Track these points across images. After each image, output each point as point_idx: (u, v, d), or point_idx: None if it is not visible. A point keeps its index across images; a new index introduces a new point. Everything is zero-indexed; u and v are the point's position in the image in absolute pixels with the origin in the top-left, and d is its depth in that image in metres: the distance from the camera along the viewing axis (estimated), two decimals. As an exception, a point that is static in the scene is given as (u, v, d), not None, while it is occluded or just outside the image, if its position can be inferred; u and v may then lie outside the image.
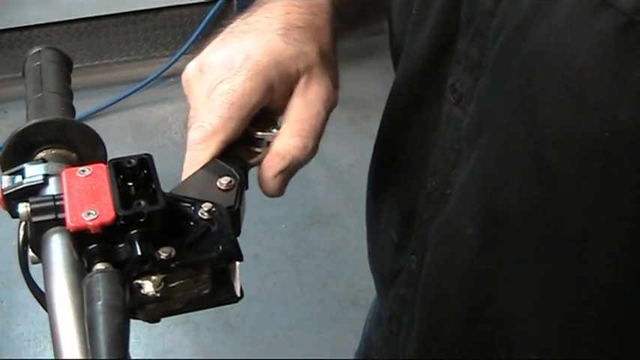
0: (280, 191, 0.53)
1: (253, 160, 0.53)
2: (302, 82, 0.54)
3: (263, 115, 0.54)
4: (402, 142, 0.64)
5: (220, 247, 0.43)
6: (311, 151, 0.53)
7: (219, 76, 0.52)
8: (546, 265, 0.49)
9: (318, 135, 0.53)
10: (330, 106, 0.55)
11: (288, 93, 0.54)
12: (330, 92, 0.55)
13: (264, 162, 0.52)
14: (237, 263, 0.44)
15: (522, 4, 0.44)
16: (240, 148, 0.53)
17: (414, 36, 0.57)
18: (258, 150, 0.54)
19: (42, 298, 0.43)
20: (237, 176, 0.49)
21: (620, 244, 0.45)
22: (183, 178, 0.51)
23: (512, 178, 0.48)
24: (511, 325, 0.54)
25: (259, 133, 0.54)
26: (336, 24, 0.58)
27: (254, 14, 0.56)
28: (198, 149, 0.51)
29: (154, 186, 0.43)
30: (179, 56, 2.57)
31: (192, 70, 0.55)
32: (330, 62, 0.56)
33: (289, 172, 0.52)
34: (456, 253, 0.55)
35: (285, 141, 0.52)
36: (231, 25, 0.56)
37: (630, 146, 0.41)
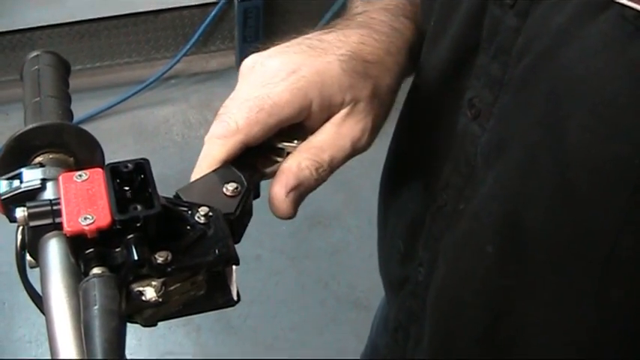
0: (292, 211, 0.51)
1: (270, 170, 0.53)
2: (343, 112, 0.53)
3: (293, 128, 0.53)
4: (414, 151, 0.63)
5: (217, 251, 0.43)
6: (320, 179, 0.52)
7: (264, 80, 0.52)
8: (567, 284, 0.49)
9: (333, 168, 0.52)
10: (360, 146, 0.53)
11: (327, 118, 0.53)
12: (365, 133, 0.53)
13: (276, 178, 0.51)
14: (234, 267, 0.44)
15: (551, 24, 0.43)
16: (259, 156, 0.53)
17: (432, 47, 0.56)
18: (277, 159, 0.53)
19: (40, 301, 0.43)
20: (245, 184, 0.49)
21: None
22: (196, 169, 0.51)
23: (536, 199, 0.47)
24: (528, 340, 0.53)
25: (282, 144, 0.53)
26: (407, 69, 0.57)
27: (331, 33, 0.55)
28: (217, 143, 0.50)
29: (150, 190, 0.43)
30: (180, 58, 2.57)
31: (247, 63, 0.54)
32: (382, 105, 0.55)
33: (300, 191, 0.51)
34: (474, 269, 0.54)
35: (300, 160, 0.51)
36: (306, 36, 0.55)
37: None
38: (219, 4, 2.57)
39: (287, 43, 0.55)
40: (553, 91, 0.44)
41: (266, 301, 1.92)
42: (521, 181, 0.48)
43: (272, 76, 0.52)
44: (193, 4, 2.58)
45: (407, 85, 0.62)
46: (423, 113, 0.61)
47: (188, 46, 2.58)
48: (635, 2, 0.39)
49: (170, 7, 2.57)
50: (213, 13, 2.58)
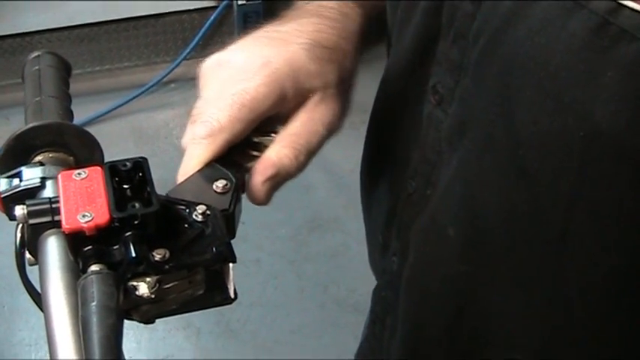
0: (267, 199, 0.52)
1: (250, 164, 0.53)
2: (313, 99, 0.54)
3: (266, 120, 0.54)
4: (386, 143, 0.65)
5: (214, 249, 0.43)
6: (300, 165, 0.53)
7: (236, 76, 0.52)
8: (526, 266, 0.50)
9: (310, 153, 0.53)
10: (332, 130, 0.55)
11: (298, 107, 0.54)
12: (336, 117, 0.55)
13: (255, 167, 0.52)
14: (231, 265, 0.44)
15: (501, 6, 0.45)
16: (238, 152, 0.53)
17: (398, 37, 0.58)
18: (255, 154, 0.54)
19: (39, 299, 0.44)
20: (234, 180, 0.50)
21: (598, 244, 0.45)
22: (181, 171, 0.51)
23: (492, 179, 0.49)
24: (494, 326, 0.54)
25: (259, 138, 0.54)
26: (361, 52, 0.58)
27: (286, 24, 0.56)
28: (203, 144, 0.51)
29: (148, 188, 0.44)
30: (180, 62, 2.58)
31: (210, 64, 0.55)
32: (346, 88, 0.56)
33: (277, 180, 0.52)
34: (438, 254, 0.55)
35: (278, 149, 0.52)
36: (261, 30, 0.56)
37: (605, 146, 0.41)
38: (219, 9, 2.58)
39: (245, 39, 0.55)
40: (504, 71, 0.45)
41: (265, 305, 1.92)
42: (479, 162, 0.49)
43: (243, 71, 0.52)
44: (193, 8, 2.59)
45: (377, 79, 0.63)
46: (392, 104, 0.62)
47: (188, 50, 2.59)
48: None
49: (170, 11, 2.58)
50: (212, 17, 2.59)
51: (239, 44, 0.55)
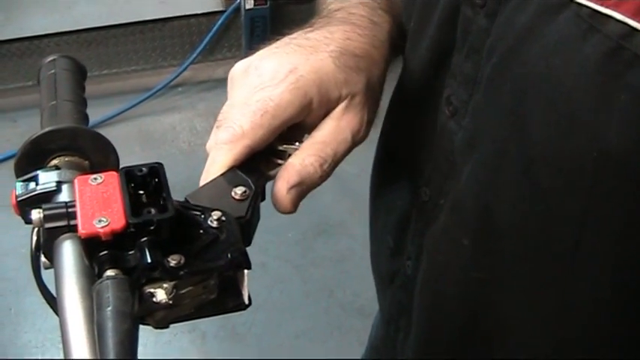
0: (292, 207, 0.52)
1: (273, 172, 0.53)
2: (341, 107, 0.53)
3: (292, 129, 0.53)
4: (400, 150, 0.65)
5: (229, 255, 0.43)
6: (325, 175, 0.52)
7: (262, 82, 0.52)
8: (538, 276, 0.50)
9: (336, 162, 0.53)
10: (359, 138, 0.54)
11: (325, 115, 0.53)
12: (363, 126, 0.54)
13: (279, 174, 0.52)
14: (246, 271, 0.44)
15: (516, 24, 0.45)
16: (262, 159, 0.53)
17: (413, 48, 0.58)
18: (280, 162, 0.53)
19: (53, 302, 0.44)
20: (253, 187, 0.49)
21: (608, 260, 0.46)
22: (204, 175, 0.51)
23: (504, 192, 0.49)
24: (507, 332, 0.55)
25: (283, 146, 0.54)
26: (390, 60, 0.58)
27: (316, 31, 0.56)
28: (224, 149, 0.50)
29: (164, 194, 0.44)
30: (187, 66, 2.59)
31: (239, 68, 0.55)
32: (374, 96, 0.56)
33: (302, 188, 0.52)
34: (451, 262, 0.56)
35: (303, 157, 0.52)
36: (290, 36, 0.56)
37: (616, 167, 0.42)
38: (227, 13, 2.59)
39: (275, 45, 0.55)
40: (518, 88, 0.45)
41: (271, 309, 1.92)
42: (491, 176, 0.50)
43: (270, 78, 0.52)
44: (201, 12, 2.60)
45: (392, 85, 0.63)
46: (407, 112, 0.62)
47: (195, 54, 2.59)
48: (591, 1, 0.40)
49: (177, 15, 2.59)
50: (220, 22, 2.60)
51: (268, 50, 0.55)
